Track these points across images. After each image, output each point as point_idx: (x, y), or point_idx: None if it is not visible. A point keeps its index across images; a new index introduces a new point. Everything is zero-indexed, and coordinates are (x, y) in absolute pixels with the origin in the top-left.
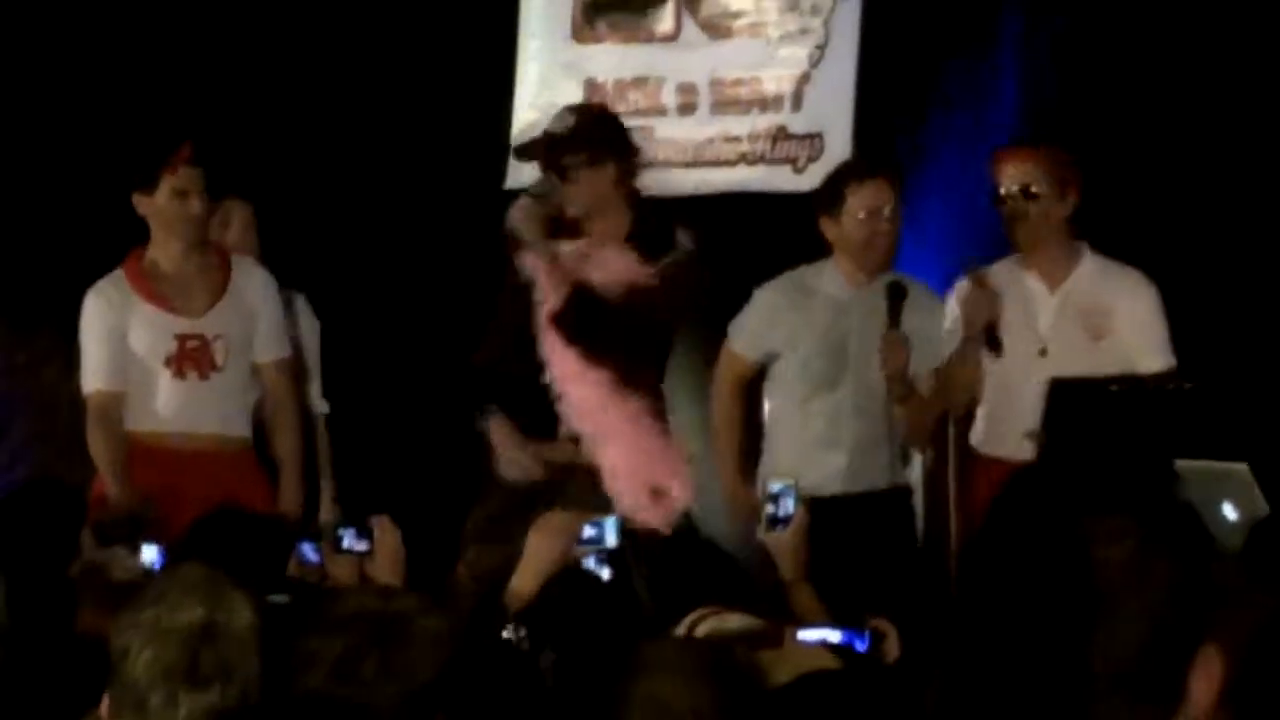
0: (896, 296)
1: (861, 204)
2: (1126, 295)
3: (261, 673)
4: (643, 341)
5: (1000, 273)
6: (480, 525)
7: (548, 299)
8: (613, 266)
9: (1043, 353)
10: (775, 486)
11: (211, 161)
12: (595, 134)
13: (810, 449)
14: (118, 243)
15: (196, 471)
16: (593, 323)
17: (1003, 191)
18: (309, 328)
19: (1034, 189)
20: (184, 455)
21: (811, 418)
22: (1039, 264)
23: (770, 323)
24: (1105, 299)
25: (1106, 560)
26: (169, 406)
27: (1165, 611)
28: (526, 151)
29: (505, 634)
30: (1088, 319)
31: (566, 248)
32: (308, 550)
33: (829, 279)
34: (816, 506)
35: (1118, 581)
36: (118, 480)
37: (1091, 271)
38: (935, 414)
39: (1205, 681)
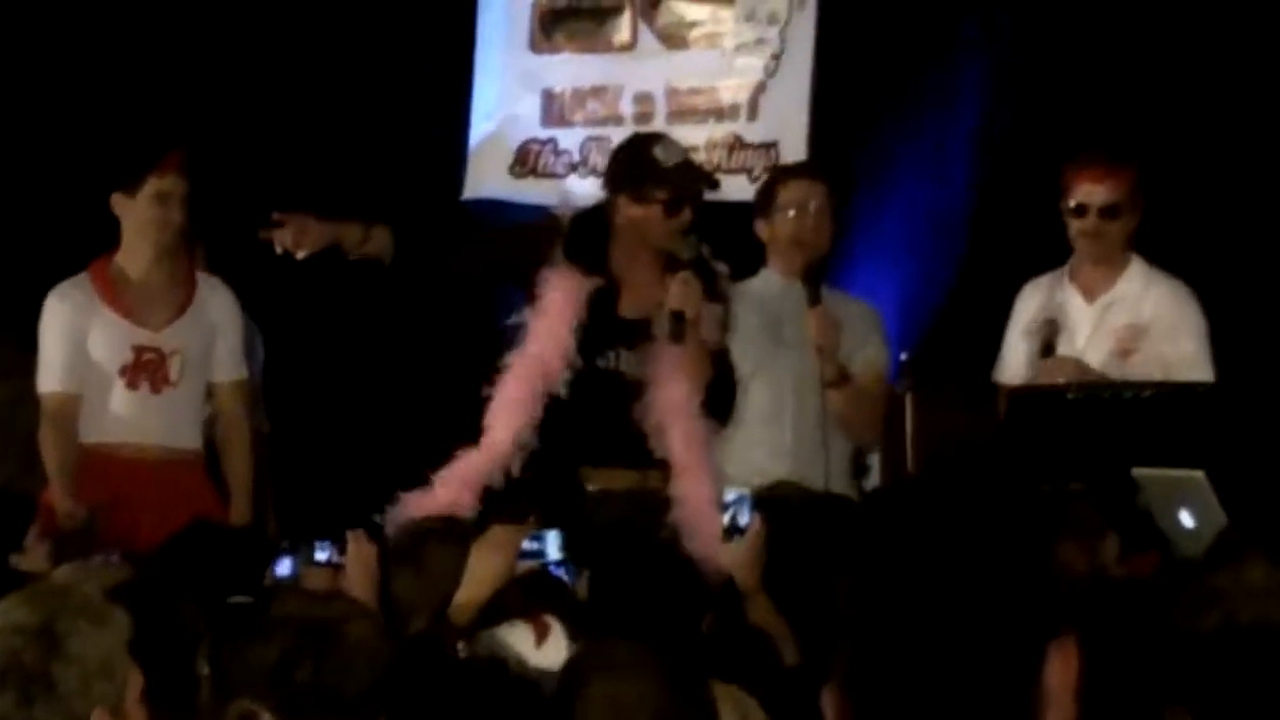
0: (813, 280)
1: (791, 200)
2: (1164, 308)
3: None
4: None
5: (1047, 285)
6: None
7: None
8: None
9: None
10: (731, 495)
11: (200, 177)
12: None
13: (754, 426)
14: (77, 256)
15: (145, 482)
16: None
17: (1078, 204)
18: (258, 359)
19: (1120, 208)
20: (131, 465)
21: (753, 395)
22: (1084, 277)
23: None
24: (1144, 313)
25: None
26: (118, 417)
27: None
28: None
29: (459, 650)
30: (1120, 334)
31: None
32: (283, 564)
33: (760, 280)
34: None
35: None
36: (63, 487)
37: (1133, 283)
38: (871, 409)
39: (1061, 674)
